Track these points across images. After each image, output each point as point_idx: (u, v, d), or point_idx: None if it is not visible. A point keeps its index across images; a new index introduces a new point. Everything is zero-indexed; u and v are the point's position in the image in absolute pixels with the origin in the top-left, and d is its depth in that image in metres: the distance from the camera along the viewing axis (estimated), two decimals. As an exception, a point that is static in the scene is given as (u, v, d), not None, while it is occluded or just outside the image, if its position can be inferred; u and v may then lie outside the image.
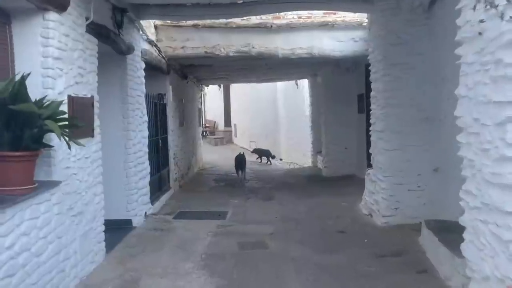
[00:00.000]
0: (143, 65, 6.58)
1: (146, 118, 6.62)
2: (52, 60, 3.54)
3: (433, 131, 5.65)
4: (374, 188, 6.30)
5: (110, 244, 4.86)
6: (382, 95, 5.94)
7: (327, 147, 10.64)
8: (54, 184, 3.51)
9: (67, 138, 3.24)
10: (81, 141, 3.72)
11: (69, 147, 3.38)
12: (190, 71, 10.63)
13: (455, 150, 3.26)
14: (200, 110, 14.28)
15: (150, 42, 7.08)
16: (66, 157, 3.71)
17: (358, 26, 8.29)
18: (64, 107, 3.55)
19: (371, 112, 6.50)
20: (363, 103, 9.68)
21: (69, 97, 3.79)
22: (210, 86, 20.45)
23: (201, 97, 14.42)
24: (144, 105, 6.59)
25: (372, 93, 6.46)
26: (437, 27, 5.44)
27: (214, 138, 21.44)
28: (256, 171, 13.00)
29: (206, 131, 23.75)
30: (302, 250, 4.97)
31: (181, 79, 10.16)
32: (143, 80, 6.57)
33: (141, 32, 6.48)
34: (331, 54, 8.40)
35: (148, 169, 6.66)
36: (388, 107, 5.85)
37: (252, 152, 15.87)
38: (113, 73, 5.74)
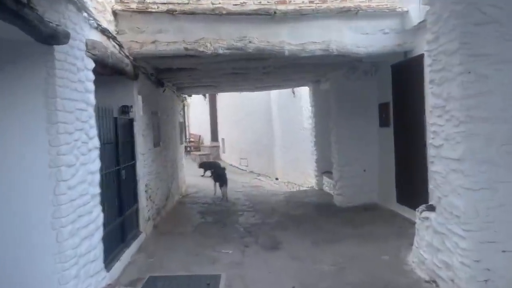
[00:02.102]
0: (91, 64, 4.38)
1: (96, 142, 4.42)
2: None
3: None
4: (442, 243, 4.18)
5: None
6: (458, 104, 3.84)
7: (340, 169, 8.52)
8: None
9: None
10: None
11: None
12: (168, 77, 8.44)
13: None
14: (182, 124, 12.06)
15: (103, 31, 4.89)
16: None
17: (389, 13, 6.29)
18: None
19: (432, 130, 4.38)
20: (388, 114, 7.64)
21: None
22: (194, 95, 18.25)
23: (182, 109, 12.19)
24: (93, 123, 4.40)
25: (433, 101, 4.35)
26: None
27: (199, 154, 19.15)
28: (250, 196, 10.81)
29: (190, 147, 21.48)
30: None
31: (156, 87, 7.97)
32: (91, 87, 4.38)
33: (85, 14, 4.29)
34: (353, 50, 6.32)
35: (100, 220, 4.44)
36: (471, 122, 3.75)
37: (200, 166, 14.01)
38: (32, 74, 3.54)
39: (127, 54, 5.63)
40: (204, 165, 13.98)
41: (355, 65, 8.09)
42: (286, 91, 12.96)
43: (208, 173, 12.82)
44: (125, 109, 6.28)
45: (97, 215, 4.35)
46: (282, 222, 7.68)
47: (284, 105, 13.72)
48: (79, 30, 4.10)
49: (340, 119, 8.52)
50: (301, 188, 12.30)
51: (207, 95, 20.27)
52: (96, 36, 4.63)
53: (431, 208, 4.57)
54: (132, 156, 6.33)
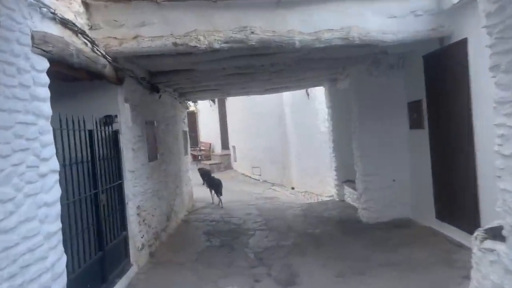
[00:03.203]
0: (43, 64, 3.38)
1: (53, 165, 3.41)
2: None
3: None
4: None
5: None
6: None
7: (365, 179, 7.35)
8: None
9: None
10: None
11: None
12: (164, 81, 7.41)
13: None
14: (185, 133, 11.04)
15: (65, 24, 3.89)
16: None
17: (421, -10, 5.14)
18: None
19: (500, 134, 3.21)
20: (420, 114, 6.48)
21: None
22: (202, 102, 17.31)
23: (186, 116, 11.17)
24: (49, 139, 3.39)
25: (500, 95, 3.17)
26: None
27: (210, 164, 18.11)
28: (263, 211, 9.71)
29: (200, 156, 20.51)
30: None
31: (149, 93, 6.96)
32: (43, 93, 3.37)
33: (32, 0, 3.29)
34: (379, 38, 5.20)
35: (61, 265, 3.41)
36: None
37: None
38: None
39: (103, 53, 4.62)
40: (201, 173, 12.94)
41: (379, 58, 6.96)
42: (300, 93, 11.86)
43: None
44: (108, 120, 5.29)
45: (55, 259, 3.33)
46: (299, 244, 6.56)
47: (298, 108, 12.62)
48: (19, 19, 3.10)
49: (362, 121, 7.36)
50: (320, 199, 11.17)
51: (215, 100, 19.27)
52: (52, 29, 3.63)
53: (498, 236, 3.40)
54: (118, 175, 5.32)
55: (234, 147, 18.51)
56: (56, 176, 3.45)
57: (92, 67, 4.40)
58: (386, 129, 7.18)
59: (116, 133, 5.31)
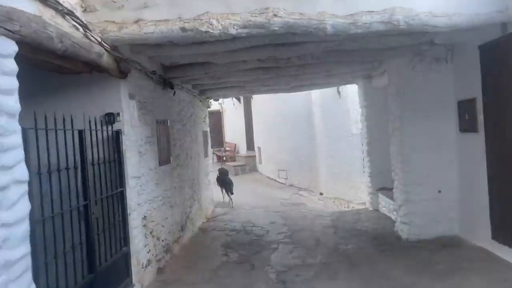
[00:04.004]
0: (8, 48, 2.68)
1: (20, 174, 2.71)
2: None
3: None
4: None
5: None
6: None
7: (405, 189, 6.39)
8: None
9: None
10: None
11: None
12: (179, 76, 6.66)
13: None
14: (206, 134, 10.33)
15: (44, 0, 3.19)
16: None
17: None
18: None
19: None
20: (474, 115, 5.50)
21: None
22: (226, 100, 16.56)
23: (206, 116, 10.46)
24: (15, 142, 2.69)
25: None
26: None
27: (234, 166, 17.36)
28: (289, 220, 8.89)
29: (225, 157, 19.83)
30: None
31: (162, 89, 6.25)
32: (7, 84, 2.66)
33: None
34: (429, 21, 4.27)
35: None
36: None
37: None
38: None
39: (98, 39, 3.92)
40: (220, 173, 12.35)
41: (423, 51, 6.00)
42: (330, 91, 10.96)
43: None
44: (109, 119, 4.60)
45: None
46: (329, 263, 5.70)
47: (328, 108, 11.72)
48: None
49: (403, 123, 6.40)
50: (351, 206, 10.26)
51: (241, 99, 18.52)
52: (24, 5, 2.93)
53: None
54: (120, 182, 4.62)
55: (259, 148, 17.68)
56: (23, 188, 2.74)
57: (83, 55, 3.70)
58: (431, 132, 6.22)
59: (117, 134, 4.61)
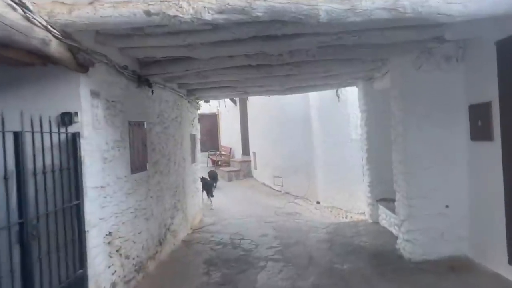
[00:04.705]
0: None
1: None
2: None
3: None
4: None
5: None
6: None
7: (409, 203, 5.70)
8: None
9: None
10: None
11: None
12: (162, 73, 6.00)
13: None
14: (194, 137, 9.64)
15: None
16: None
17: None
18: None
19: None
20: (489, 121, 4.81)
21: None
22: (218, 102, 15.86)
23: (195, 118, 9.77)
24: None
25: None
26: None
27: (228, 171, 16.64)
28: (282, 231, 8.21)
29: (220, 161, 19.14)
30: None
31: (136, 87, 5.57)
32: None
33: None
34: (440, 10, 3.58)
35: None
36: None
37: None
38: None
39: (42, 22, 3.24)
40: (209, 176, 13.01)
41: (430, 48, 5.34)
42: (329, 94, 10.29)
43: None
44: (66, 119, 3.94)
45: None
46: (322, 287, 5.00)
47: (326, 112, 11.04)
48: None
49: (407, 129, 5.72)
50: (350, 217, 9.57)
51: (237, 101, 17.82)
52: None
53: None
54: (76, 194, 3.93)
55: (254, 153, 16.96)
56: None
57: (20, 41, 3.04)
58: (438, 139, 5.54)
59: (74, 137, 3.93)
